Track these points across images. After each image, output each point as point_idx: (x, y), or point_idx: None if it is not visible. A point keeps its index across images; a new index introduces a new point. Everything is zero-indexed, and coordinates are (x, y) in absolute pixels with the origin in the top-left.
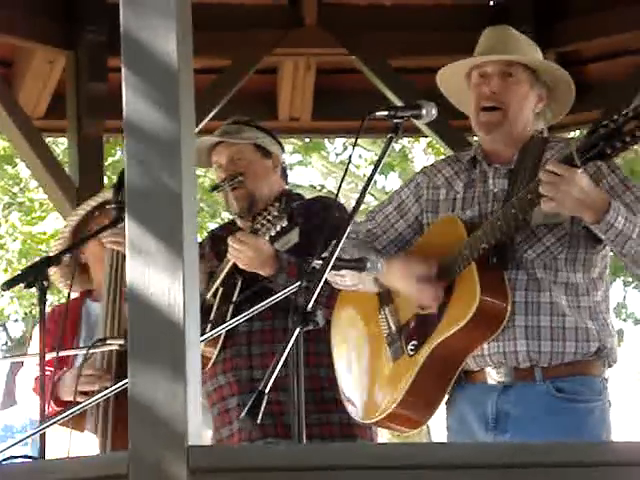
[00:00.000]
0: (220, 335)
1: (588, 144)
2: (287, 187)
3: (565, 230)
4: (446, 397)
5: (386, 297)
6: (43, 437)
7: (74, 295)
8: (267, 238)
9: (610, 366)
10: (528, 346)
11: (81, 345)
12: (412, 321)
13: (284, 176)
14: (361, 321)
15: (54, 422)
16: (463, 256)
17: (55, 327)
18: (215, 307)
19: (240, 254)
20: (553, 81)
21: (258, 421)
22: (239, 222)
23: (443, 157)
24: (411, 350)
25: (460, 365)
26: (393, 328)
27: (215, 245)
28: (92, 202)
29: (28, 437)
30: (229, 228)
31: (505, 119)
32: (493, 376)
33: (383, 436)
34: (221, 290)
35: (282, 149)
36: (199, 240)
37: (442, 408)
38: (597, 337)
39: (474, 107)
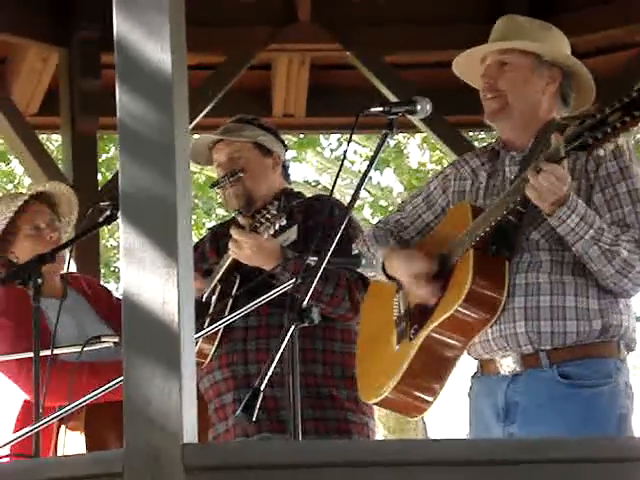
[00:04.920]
0: (218, 331)
1: (574, 134)
2: (288, 186)
3: None
4: (467, 390)
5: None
6: (37, 435)
7: None
8: (266, 236)
9: (628, 348)
10: (527, 327)
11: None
12: (417, 305)
13: (285, 175)
14: (381, 305)
15: (50, 420)
16: (464, 243)
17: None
18: (213, 303)
19: (240, 251)
20: (564, 61)
21: (253, 419)
22: (240, 219)
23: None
24: (412, 334)
25: (460, 352)
26: (402, 311)
27: (215, 241)
28: (18, 202)
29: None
30: (230, 225)
31: (507, 105)
32: (504, 366)
33: (380, 433)
34: (219, 287)
35: (285, 148)
36: (199, 237)
37: (441, 404)
38: (599, 315)
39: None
